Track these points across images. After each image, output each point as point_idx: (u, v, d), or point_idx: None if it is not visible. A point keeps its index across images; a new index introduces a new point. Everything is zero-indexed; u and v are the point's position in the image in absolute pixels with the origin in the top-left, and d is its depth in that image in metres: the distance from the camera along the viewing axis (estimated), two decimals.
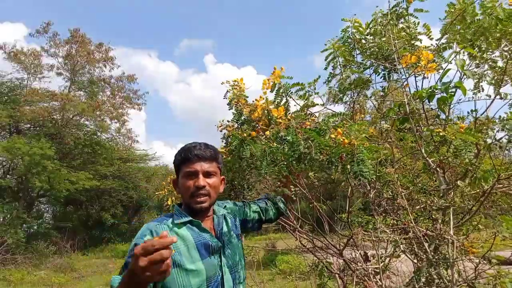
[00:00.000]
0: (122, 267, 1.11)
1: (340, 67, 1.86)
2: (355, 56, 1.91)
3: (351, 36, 1.90)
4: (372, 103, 2.21)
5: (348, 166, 1.22)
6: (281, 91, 1.68)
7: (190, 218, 1.26)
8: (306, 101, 1.70)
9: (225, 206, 1.47)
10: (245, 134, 1.52)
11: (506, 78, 1.65)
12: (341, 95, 1.87)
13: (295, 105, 1.78)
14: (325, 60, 1.91)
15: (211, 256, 1.23)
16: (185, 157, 1.29)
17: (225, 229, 1.35)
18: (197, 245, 1.22)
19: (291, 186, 1.47)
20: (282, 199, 1.68)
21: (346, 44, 1.91)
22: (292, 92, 1.69)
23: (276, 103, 1.72)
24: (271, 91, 1.68)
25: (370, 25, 1.83)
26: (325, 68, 1.93)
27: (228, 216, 1.42)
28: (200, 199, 1.26)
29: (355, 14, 1.89)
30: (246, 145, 1.51)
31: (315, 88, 1.74)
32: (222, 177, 1.41)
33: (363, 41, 1.87)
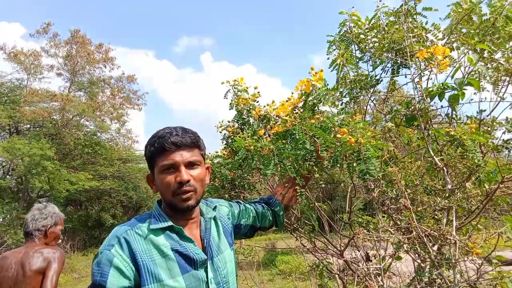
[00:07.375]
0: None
1: (347, 71, 1.79)
2: (354, 51, 1.83)
3: (349, 30, 1.79)
4: (373, 103, 2.19)
5: (354, 164, 1.19)
6: (309, 99, 1.55)
7: (171, 223, 1.04)
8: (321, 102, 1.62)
9: (215, 207, 1.24)
10: (252, 147, 1.40)
11: (506, 78, 1.63)
12: (352, 98, 1.82)
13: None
14: (329, 67, 1.81)
15: (194, 270, 1.03)
16: (159, 147, 1.04)
17: (214, 235, 1.15)
18: (175, 255, 1.01)
19: (296, 188, 1.41)
20: (282, 205, 1.44)
21: (343, 39, 1.82)
22: (324, 96, 1.58)
23: (306, 105, 1.64)
24: (304, 94, 1.56)
25: (372, 21, 1.76)
26: (337, 81, 1.84)
27: (220, 219, 1.21)
28: (185, 196, 1.04)
29: (353, 7, 1.77)
30: (252, 156, 1.40)
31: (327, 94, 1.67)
32: (207, 165, 1.17)
33: (362, 36, 1.78)
